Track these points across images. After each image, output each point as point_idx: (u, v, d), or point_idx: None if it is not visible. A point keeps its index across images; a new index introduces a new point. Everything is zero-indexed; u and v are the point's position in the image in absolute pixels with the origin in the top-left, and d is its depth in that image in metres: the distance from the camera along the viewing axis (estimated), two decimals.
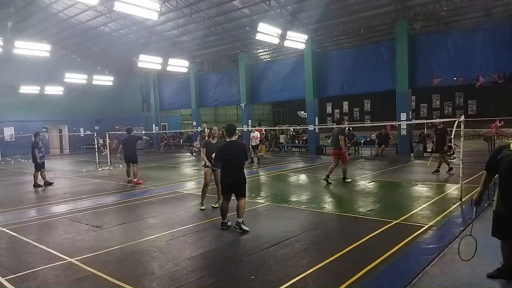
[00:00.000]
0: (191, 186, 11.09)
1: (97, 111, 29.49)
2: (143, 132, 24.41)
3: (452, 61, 16.07)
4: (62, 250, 5.48)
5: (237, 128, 6.56)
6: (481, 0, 16.16)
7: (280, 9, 18.67)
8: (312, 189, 10.16)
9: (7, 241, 6.13)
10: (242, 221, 6.18)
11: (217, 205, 7.71)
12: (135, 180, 11.82)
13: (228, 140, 6.50)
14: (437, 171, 11.72)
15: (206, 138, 8.37)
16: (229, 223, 6.37)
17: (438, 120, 12.47)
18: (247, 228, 6.15)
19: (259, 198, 9.00)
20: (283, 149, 23.06)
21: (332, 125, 28.92)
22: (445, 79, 16.36)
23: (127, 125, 29.29)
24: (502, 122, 18.50)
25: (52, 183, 12.21)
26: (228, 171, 6.27)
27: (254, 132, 17.19)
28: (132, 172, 11.90)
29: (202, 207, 7.80)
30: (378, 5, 17.52)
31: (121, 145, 12.19)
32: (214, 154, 6.73)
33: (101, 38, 25.09)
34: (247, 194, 9.06)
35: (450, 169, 11.79)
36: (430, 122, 11.99)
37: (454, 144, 15.13)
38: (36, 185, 11.83)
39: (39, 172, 12.07)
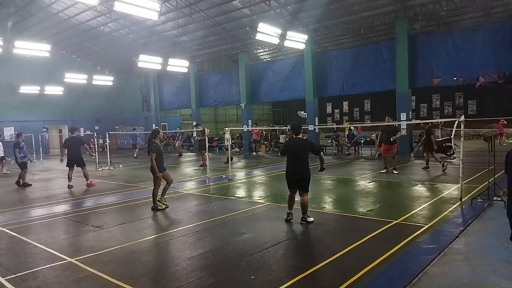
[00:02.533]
0: (191, 186, 11.09)
1: (97, 111, 29.49)
2: (137, 133, 24.18)
3: (452, 61, 16.08)
4: (62, 250, 5.48)
5: (302, 126, 6.77)
6: (481, 0, 16.16)
7: (280, 9, 18.66)
8: (312, 189, 10.09)
9: (7, 241, 6.13)
10: (307, 215, 6.52)
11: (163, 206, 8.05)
12: (88, 182, 11.55)
13: (294, 137, 6.77)
14: (432, 168, 12.30)
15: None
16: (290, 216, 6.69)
17: (440, 120, 13.09)
18: (312, 219, 6.51)
19: (259, 198, 9.00)
20: None
21: (332, 125, 29.08)
22: (445, 79, 16.37)
23: (127, 125, 29.56)
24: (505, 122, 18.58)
25: (31, 184, 12.25)
26: (294, 167, 6.53)
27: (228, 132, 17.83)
28: (83, 174, 11.65)
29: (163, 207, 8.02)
30: (378, 5, 17.52)
31: (64, 148, 11.66)
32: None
33: (101, 38, 25.09)
34: (246, 194, 9.06)
35: (427, 168, 12.43)
36: (430, 122, 12.06)
37: (454, 144, 15.12)
38: (24, 184, 11.97)
39: (25, 172, 12.17)
